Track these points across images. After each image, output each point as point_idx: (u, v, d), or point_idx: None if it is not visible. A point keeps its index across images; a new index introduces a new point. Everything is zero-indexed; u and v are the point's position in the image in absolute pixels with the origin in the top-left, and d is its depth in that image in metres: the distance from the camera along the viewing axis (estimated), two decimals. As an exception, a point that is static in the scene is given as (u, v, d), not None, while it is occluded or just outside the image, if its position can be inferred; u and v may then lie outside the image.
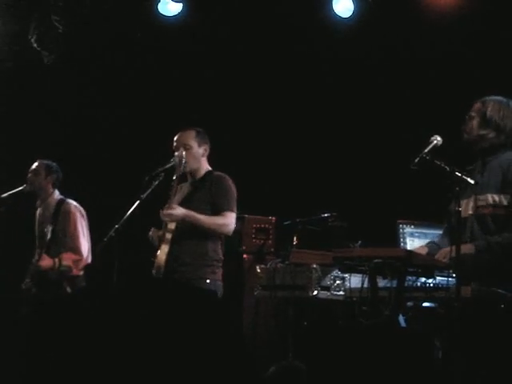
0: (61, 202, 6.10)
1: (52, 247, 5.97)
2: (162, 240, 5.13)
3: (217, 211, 5.12)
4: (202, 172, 5.29)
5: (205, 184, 5.22)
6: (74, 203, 6.13)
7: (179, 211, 5.06)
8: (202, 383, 3.32)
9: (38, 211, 6.19)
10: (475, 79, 6.31)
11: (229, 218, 5.12)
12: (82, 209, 6.14)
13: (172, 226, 5.11)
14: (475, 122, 4.40)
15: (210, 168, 5.32)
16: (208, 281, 5.06)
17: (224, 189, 5.17)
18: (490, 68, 6.45)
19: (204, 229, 5.08)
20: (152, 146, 7.02)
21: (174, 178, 5.16)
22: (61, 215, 6.03)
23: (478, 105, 4.44)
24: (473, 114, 4.43)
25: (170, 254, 5.08)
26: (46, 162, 6.17)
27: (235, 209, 5.19)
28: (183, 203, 5.17)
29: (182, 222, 5.08)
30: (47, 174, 6.12)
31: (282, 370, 3.69)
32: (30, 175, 6.13)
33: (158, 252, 5.10)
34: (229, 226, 5.13)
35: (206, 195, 5.18)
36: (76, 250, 5.97)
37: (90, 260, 6.06)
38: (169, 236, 5.09)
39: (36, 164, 6.16)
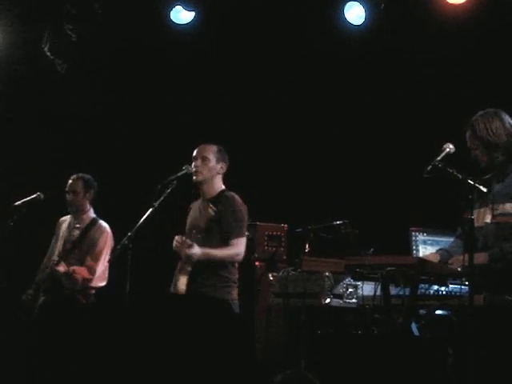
0: (94, 222, 6.08)
1: (70, 263, 5.96)
2: (180, 268, 5.13)
3: (227, 236, 5.13)
4: (216, 190, 5.29)
5: (217, 205, 5.24)
6: (105, 226, 6.11)
7: (198, 252, 5.05)
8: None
9: (65, 225, 6.16)
10: (489, 85, 6.31)
11: (239, 247, 5.14)
12: (110, 232, 6.12)
13: None
14: (478, 152, 4.35)
15: (223, 187, 5.33)
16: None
17: (232, 212, 5.17)
18: (504, 73, 6.44)
19: (220, 262, 5.13)
20: (165, 153, 7.05)
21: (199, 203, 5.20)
22: (90, 235, 6.02)
23: (468, 133, 4.38)
24: (470, 144, 4.37)
25: (189, 283, 5.09)
26: (82, 177, 6.07)
27: (244, 231, 5.21)
28: (198, 224, 5.20)
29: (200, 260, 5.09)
30: (86, 191, 6.08)
31: (287, 379, 3.69)
32: (68, 195, 6.07)
33: (178, 283, 5.08)
34: (240, 255, 5.16)
35: (215, 217, 5.18)
36: (91, 269, 5.96)
37: (105, 282, 6.03)
38: (189, 268, 5.10)
39: (72, 182, 6.05)
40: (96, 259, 5.98)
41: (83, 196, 6.07)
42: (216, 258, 5.10)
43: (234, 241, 5.13)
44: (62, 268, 5.90)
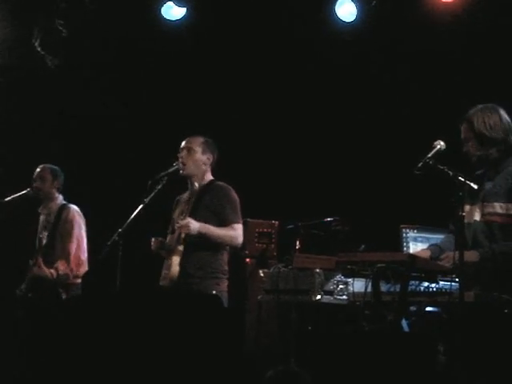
0: (62, 208, 6.08)
1: (49, 253, 5.96)
2: (172, 250, 5.11)
3: (225, 223, 5.13)
4: (203, 181, 5.27)
5: (207, 194, 5.21)
6: (75, 208, 6.11)
7: (196, 223, 5.05)
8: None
9: (41, 217, 6.17)
10: (481, 82, 6.31)
11: (238, 230, 5.16)
12: (81, 214, 6.12)
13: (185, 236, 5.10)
14: (471, 145, 4.32)
15: (211, 178, 5.31)
16: (214, 292, 5.05)
17: (230, 200, 5.19)
18: (495, 70, 6.45)
19: (217, 241, 5.09)
20: (156, 149, 7.03)
21: (186, 195, 5.18)
22: (61, 221, 6.02)
23: (464, 125, 4.35)
24: (464, 137, 4.35)
25: (181, 265, 5.07)
26: (50, 166, 6.14)
27: (241, 219, 5.23)
28: (189, 215, 5.15)
29: (198, 235, 5.06)
30: (53, 180, 6.11)
31: (279, 375, 3.69)
32: (36, 182, 6.09)
33: (170, 263, 5.07)
34: (239, 239, 5.18)
35: (210, 206, 5.18)
36: (67, 257, 5.95)
37: (85, 268, 6.03)
38: (181, 248, 5.08)
39: (41, 170, 6.12)
40: (68, 244, 5.96)
41: (51, 184, 6.09)
42: (214, 234, 5.07)
43: (234, 225, 5.14)
44: (41, 271, 5.88)
